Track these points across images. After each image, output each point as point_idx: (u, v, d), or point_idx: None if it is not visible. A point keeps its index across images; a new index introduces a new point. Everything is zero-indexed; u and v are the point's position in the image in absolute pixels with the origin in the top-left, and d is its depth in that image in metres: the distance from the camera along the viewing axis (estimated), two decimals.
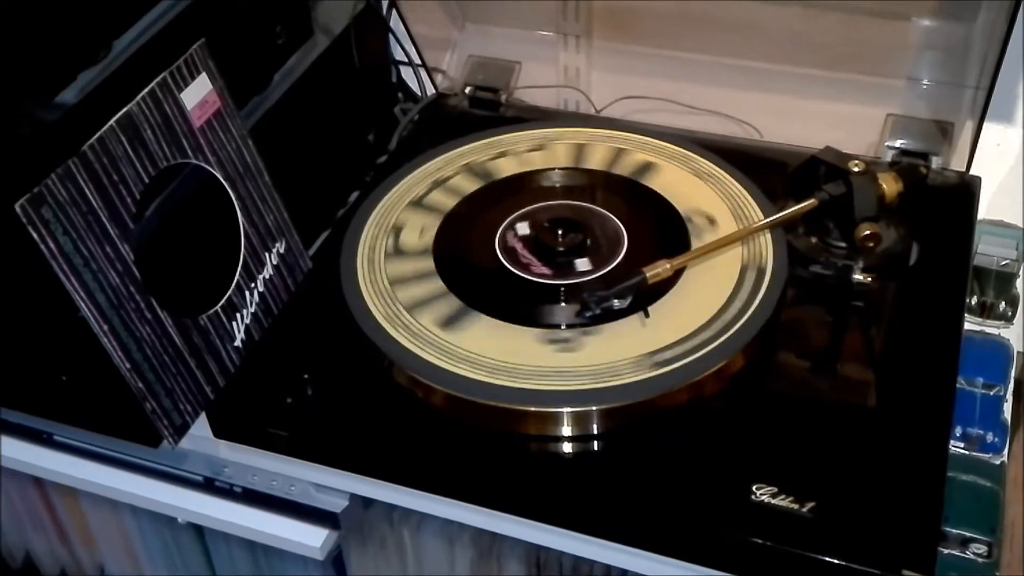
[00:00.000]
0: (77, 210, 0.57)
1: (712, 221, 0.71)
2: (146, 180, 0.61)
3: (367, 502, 0.69)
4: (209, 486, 0.71)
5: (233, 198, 0.67)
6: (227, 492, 0.71)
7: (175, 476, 0.72)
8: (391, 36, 0.90)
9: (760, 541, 0.54)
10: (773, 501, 0.55)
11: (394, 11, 0.88)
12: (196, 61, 0.64)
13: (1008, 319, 0.73)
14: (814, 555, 0.54)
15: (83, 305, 0.57)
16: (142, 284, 0.61)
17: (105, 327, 0.58)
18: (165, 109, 0.62)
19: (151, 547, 0.83)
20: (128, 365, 0.60)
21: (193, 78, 0.64)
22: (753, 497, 0.55)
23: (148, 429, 0.63)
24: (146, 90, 0.61)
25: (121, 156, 0.59)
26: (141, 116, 0.60)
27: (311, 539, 0.69)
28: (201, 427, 0.66)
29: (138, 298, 0.60)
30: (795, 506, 0.55)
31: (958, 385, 0.63)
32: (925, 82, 0.77)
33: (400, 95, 0.94)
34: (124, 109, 0.59)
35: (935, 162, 0.76)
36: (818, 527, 0.54)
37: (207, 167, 0.65)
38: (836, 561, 0.53)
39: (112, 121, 0.59)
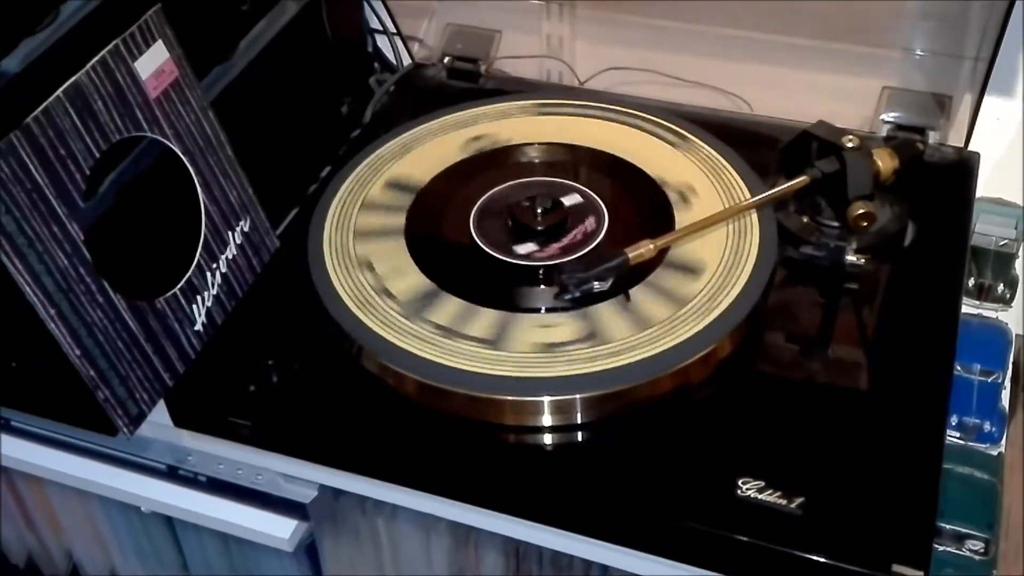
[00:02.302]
0: (20, 187, 0.54)
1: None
2: (97, 155, 0.58)
3: (338, 491, 0.67)
4: (172, 475, 0.69)
5: (192, 173, 0.64)
6: (191, 481, 0.69)
7: (137, 464, 0.70)
8: (365, 2, 0.88)
9: (746, 539, 0.53)
10: (760, 496, 0.54)
11: None
12: (151, 28, 0.61)
13: (1006, 301, 0.71)
14: (803, 554, 0.52)
15: (28, 289, 0.55)
16: (93, 266, 0.58)
17: (52, 312, 0.56)
18: (117, 79, 0.59)
19: (120, 534, 0.82)
20: (78, 352, 0.57)
21: (148, 46, 0.61)
22: (739, 492, 0.54)
23: (104, 417, 0.61)
24: (96, 58, 0.58)
25: (69, 129, 0.57)
26: (91, 86, 0.58)
27: (279, 530, 0.68)
28: (163, 414, 0.64)
29: (88, 281, 0.58)
30: (783, 501, 0.53)
31: (955, 372, 0.61)
32: (922, 53, 0.75)
33: (376, 65, 0.92)
34: (72, 79, 0.57)
35: (932, 137, 0.75)
36: (807, 524, 0.53)
37: (164, 140, 0.63)
38: (825, 560, 0.51)
39: (59, 91, 0.56)
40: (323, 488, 0.66)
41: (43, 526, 0.86)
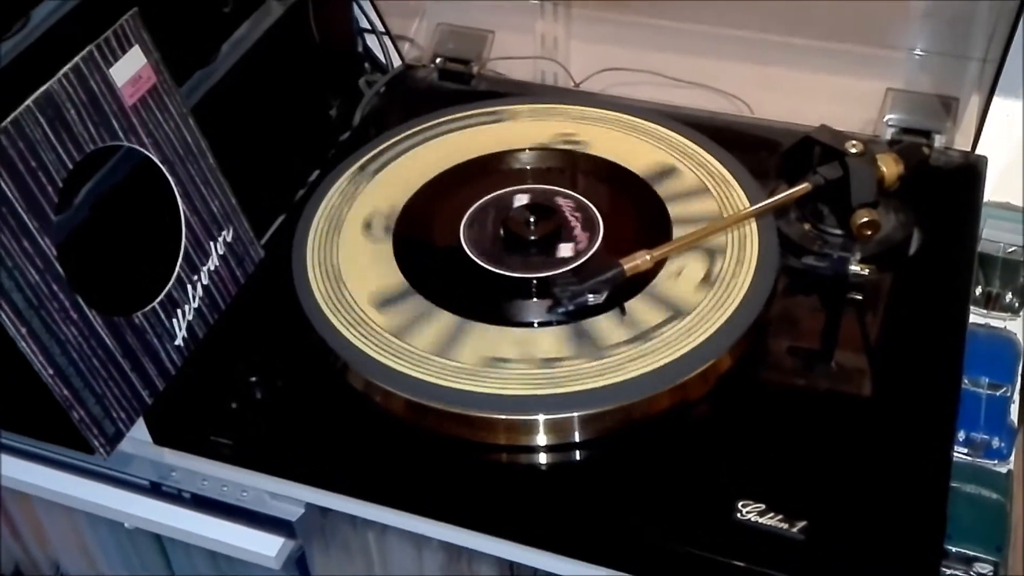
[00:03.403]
0: None
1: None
2: (70, 166, 0.56)
3: (326, 508, 0.64)
4: (156, 491, 0.68)
5: (172, 183, 0.62)
6: (175, 497, 0.67)
7: (120, 480, 0.68)
8: (354, 1, 0.86)
9: (745, 565, 0.51)
10: (760, 520, 0.52)
11: None
12: (128, 32, 0.59)
13: (1015, 311, 0.69)
14: None
15: None
16: (66, 281, 0.56)
17: (23, 330, 0.54)
18: (91, 86, 0.57)
19: (107, 547, 0.80)
20: (51, 371, 0.55)
21: (124, 51, 0.59)
22: (738, 515, 0.52)
23: (80, 436, 0.59)
24: (69, 65, 0.56)
25: (40, 140, 0.55)
26: (63, 94, 0.56)
27: (266, 548, 0.66)
28: (144, 430, 0.62)
29: (62, 297, 0.56)
30: (784, 525, 0.52)
31: (962, 385, 0.59)
32: (928, 54, 0.74)
33: (366, 66, 0.90)
34: (43, 87, 0.55)
35: (938, 140, 0.73)
36: (809, 549, 0.51)
37: (141, 149, 0.61)
38: None
39: (29, 101, 0.54)
40: (310, 506, 0.64)
41: (29, 538, 0.85)
